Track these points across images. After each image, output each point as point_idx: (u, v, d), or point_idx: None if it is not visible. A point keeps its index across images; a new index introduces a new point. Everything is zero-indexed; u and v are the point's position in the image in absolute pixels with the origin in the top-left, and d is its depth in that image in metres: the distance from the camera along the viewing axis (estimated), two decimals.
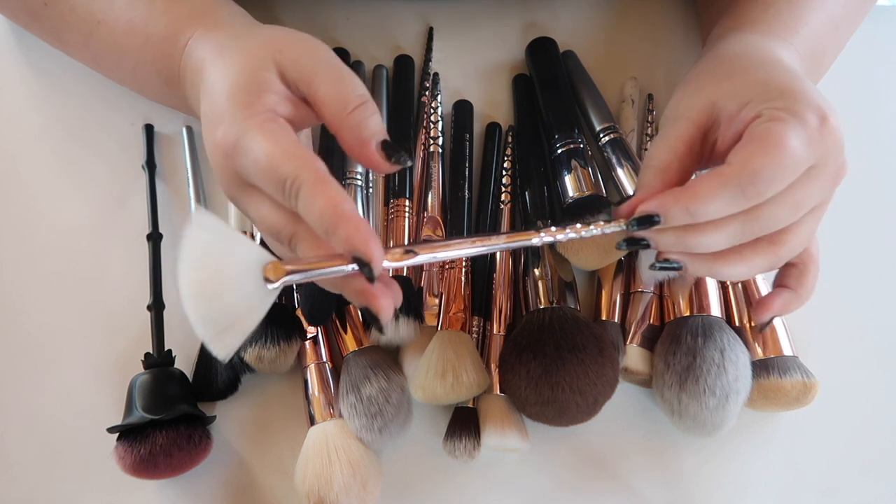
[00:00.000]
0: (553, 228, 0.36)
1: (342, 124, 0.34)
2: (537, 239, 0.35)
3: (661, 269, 0.36)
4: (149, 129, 0.53)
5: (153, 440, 0.41)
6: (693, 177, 0.37)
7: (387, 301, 0.33)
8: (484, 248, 0.36)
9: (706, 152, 0.37)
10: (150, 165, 0.51)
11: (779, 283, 0.40)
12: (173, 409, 0.42)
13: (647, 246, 0.36)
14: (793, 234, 0.36)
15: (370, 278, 0.31)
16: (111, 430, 0.41)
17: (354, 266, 0.31)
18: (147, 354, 0.45)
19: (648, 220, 0.34)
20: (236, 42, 0.38)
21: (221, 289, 0.30)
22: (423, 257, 0.34)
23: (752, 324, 0.46)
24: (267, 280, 0.30)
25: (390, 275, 0.36)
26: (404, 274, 0.47)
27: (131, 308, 0.47)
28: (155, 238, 0.48)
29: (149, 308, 0.46)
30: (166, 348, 0.45)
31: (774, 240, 0.35)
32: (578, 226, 0.36)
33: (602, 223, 0.36)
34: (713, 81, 0.38)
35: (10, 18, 0.51)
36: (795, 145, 0.33)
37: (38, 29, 0.49)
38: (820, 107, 0.34)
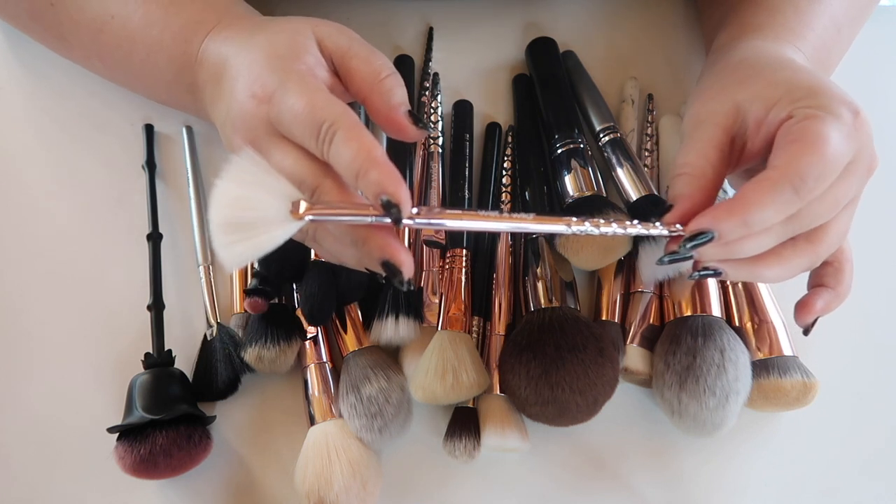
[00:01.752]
0: (585, 221, 0.34)
1: (373, 90, 0.37)
2: (565, 227, 0.34)
3: (701, 276, 0.36)
4: (149, 129, 0.53)
5: (153, 440, 0.41)
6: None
7: (408, 256, 0.33)
8: (511, 225, 0.35)
9: (735, 157, 0.37)
10: (150, 165, 0.51)
11: (816, 283, 0.39)
12: (173, 409, 0.42)
13: (691, 258, 0.34)
14: (830, 231, 0.35)
15: (397, 220, 0.31)
16: (111, 430, 0.41)
17: (378, 218, 0.32)
18: (147, 354, 0.45)
19: (703, 238, 0.33)
20: (269, 24, 0.40)
21: (248, 205, 0.31)
22: (448, 222, 0.33)
23: (798, 325, 0.44)
24: (293, 213, 0.31)
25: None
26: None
27: (131, 308, 0.47)
28: (155, 238, 0.48)
29: (149, 308, 0.46)
30: (166, 348, 0.45)
31: (812, 238, 0.35)
32: (614, 223, 0.34)
33: (648, 225, 0.35)
34: (733, 85, 0.38)
35: (6, 21, 0.51)
36: (837, 141, 0.32)
37: (39, 30, 0.49)
38: (850, 101, 0.34)
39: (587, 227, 0.34)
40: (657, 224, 0.35)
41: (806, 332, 0.42)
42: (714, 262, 0.35)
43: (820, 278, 0.39)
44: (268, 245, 0.31)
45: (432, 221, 0.33)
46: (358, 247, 0.34)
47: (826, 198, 0.33)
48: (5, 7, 0.49)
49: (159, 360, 0.44)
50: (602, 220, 0.34)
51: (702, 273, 0.36)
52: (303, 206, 0.31)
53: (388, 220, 0.32)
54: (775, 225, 0.33)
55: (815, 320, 0.39)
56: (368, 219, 0.32)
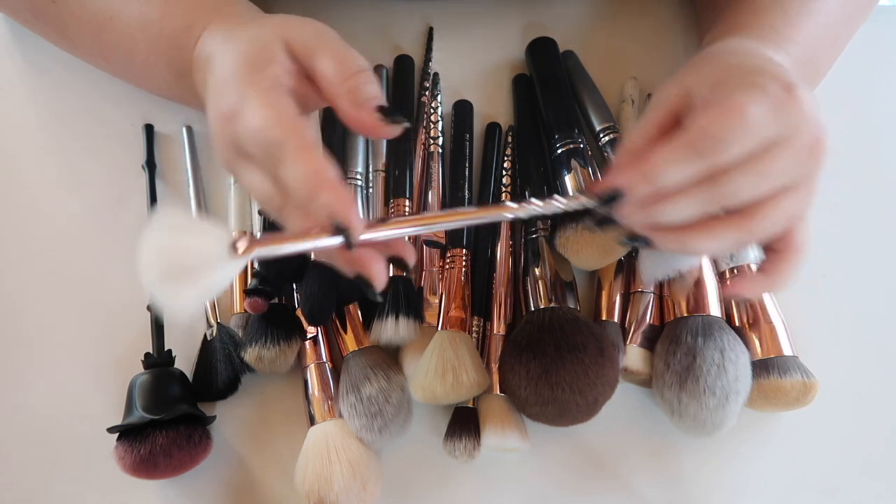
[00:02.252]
0: (520, 204, 0.36)
1: (339, 91, 0.34)
2: (510, 214, 0.36)
3: (628, 244, 0.37)
4: (149, 129, 0.53)
5: (153, 440, 0.41)
6: None
7: (379, 266, 0.33)
8: (458, 222, 0.36)
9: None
10: (150, 165, 0.51)
11: (759, 268, 0.40)
12: (173, 410, 0.42)
13: (614, 222, 0.35)
14: (764, 211, 0.34)
15: (349, 245, 0.31)
16: (111, 430, 0.41)
17: (330, 240, 0.31)
18: (147, 354, 0.45)
19: (612, 195, 0.34)
20: (245, 27, 0.38)
21: (184, 252, 0.30)
22: (396, 230, 0.34)
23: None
24: (233, 252, 0.30)
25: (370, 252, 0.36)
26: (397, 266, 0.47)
27: (131, 308, 0.47)
28: None
29: (148, 308, 0.46)
30: (166, 348, 0.45)
31: (743, 213, 0.35)
32: (543, 202, 0.36)
33: (570, 198, 0.36)
34: (689, 72, 0.38)
35: (10, 16, 0.51)
36: (754, 110, 0.32)
37: (42, 27, 0.49)
38: (786, 79, 0.34)
39: (519, 212, 0.36)
40: (580, 196, 0.36)
41: (727, 298, 0.43)
42: (643, 229, 0.36)
43: (763, 262, 0.39)
44: (216, 287, 0.30)
45: (377, 235, 0.33)
46: (331, 260, 0.34)
47: (748, 169, 0.33)
48: (8, 4, 0.49)
49: (159, 360, 0.44)
50: (534, 201, 0.36)
51: (631, 241, 0.36)
52: (241, 244, 0.30)
53: (338, 241, 0.31)
54: (693, 191, 0.33)
55: (736, 295, 0.40)
56: (315, 243, 0.31)
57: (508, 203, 0.36)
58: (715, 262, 0.48)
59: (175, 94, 0.47)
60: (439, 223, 0.36)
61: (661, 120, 0.37)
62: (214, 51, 0.38)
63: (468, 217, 0.37)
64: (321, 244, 0.32)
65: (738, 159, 0.33)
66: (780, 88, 0.33)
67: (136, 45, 0.44)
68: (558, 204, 0.36)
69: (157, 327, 0.45)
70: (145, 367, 0.44)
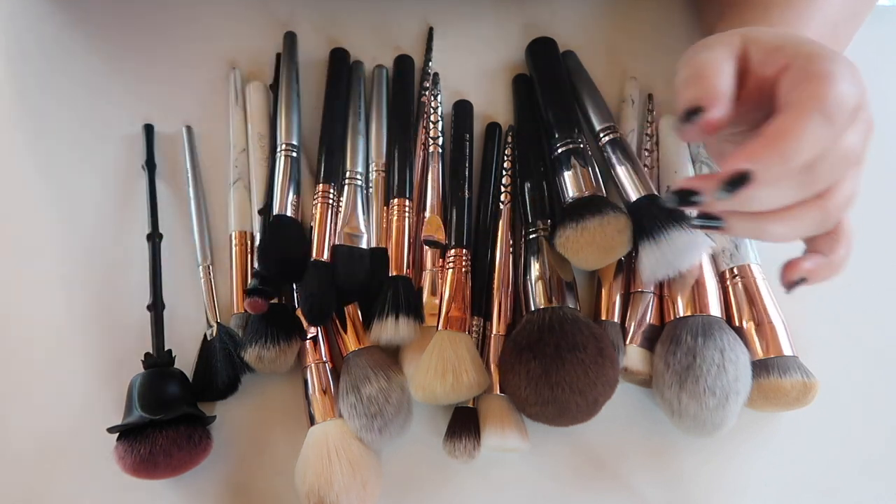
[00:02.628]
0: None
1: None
2: None
3: (702, 226, 0.34)
4: (148, 130, 0.53)
5: (153, 440, 0.41)
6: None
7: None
8: None
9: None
10: (150, 165, 0.51)
11: (810, 250, 0.38)
12: (173, 409, 0.42)
13: (698, 203, 0.32)
14: (841, 189, 0.34)
15: None
16: (111, 430, 0.41)
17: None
18: (147, 354, 0.45)
19: (740, 180, 0.30)
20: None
21: None
22: None
23: (784, 284, 0.40)
24: None
25: None
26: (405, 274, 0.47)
27: (131, 308, 0.47)
28: (155, 238, 0.48)
29: (148, 308, 0.46)
30: (166, 348, 0.45)
31: (823, 195, 0.34)
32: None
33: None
34: (737, 29, 0.36)
35: None
36: (846, 79, 0.32)
37: None
38: (845, 58, 0.33)
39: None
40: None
41: (789, 288, 0.39)
42: (719, 210, 0.34)
43: (816, 245, 0.38)
44: None
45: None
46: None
47: (837, 149, 0.32)
48: None
49: (159, 361, 0.44)
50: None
51: (703, 221, 0.34)
52: None
53: None
54: (797, 174, 0.32)
55: (800, 282, 0.37)
56: None
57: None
58: (715, 262, 0.48)
59: None
60: None
61: (731, 56, 0.34)
62: None
63: None
64: None
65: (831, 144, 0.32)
66: (848, 67, 0.33)
67: None
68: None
69: (157, 327, 0.45)
70: (145, 367, 0.44)
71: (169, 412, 0.41)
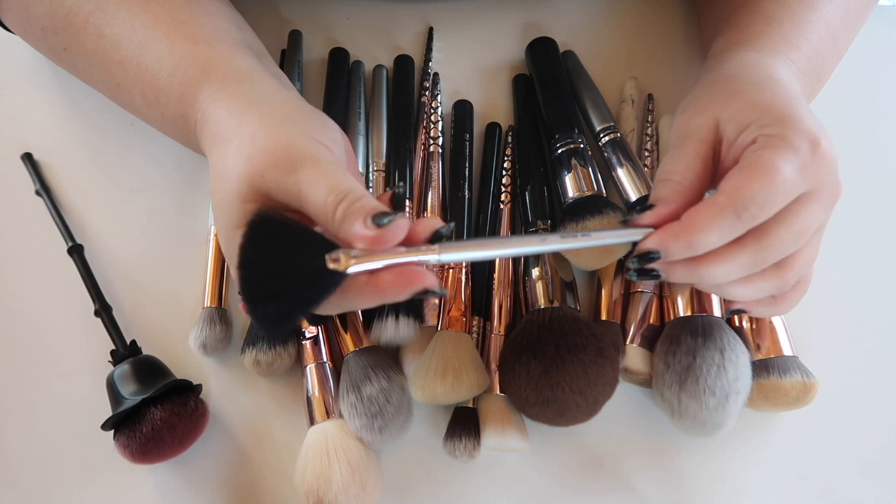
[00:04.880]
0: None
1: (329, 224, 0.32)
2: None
3: (636, 278, 0.37)
4: (29, 157, 0.52)
5: (151, 417, 0.41)
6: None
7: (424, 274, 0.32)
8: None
9: (714, 171, 0.39)
10: (45, 189, 0.51)
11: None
12: (160, 384, 0.42)
13: (658, 276, 0.36)
14: (798, 259, 0.37)
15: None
16: (104, 425, 0.41)
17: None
18: (112, 352, 0.45)
19: (648, 257, 0.35)
20: (218, 142, 0.36)
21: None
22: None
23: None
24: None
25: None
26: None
27: (133, 308, 0.48)
28: (78, 250, 0.49)
29: (96, 314, 0.46)
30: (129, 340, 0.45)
31: (781, 265, 0.37)
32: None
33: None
34: (717, 101, 0.39)
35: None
36: (786, 171, 0.34)
37: (63, 65, 0.48)
38: (812, 132, 0.35)
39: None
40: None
41: (728, 315, 0.45)
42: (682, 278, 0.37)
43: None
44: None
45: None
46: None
47: (789, 229, 0.35)
48: (32, 40, 0.48)
49: (127, 353, 0.45)
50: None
51: (641, 274, 0.37)
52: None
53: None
54: (740, 255, 0.35)
55: (739, 311, 0.42)
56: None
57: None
58: None
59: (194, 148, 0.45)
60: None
61: (704, 153, 0.38)
62: (205, 149, 0.38)
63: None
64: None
65: (773, 216, 0.35)
66: (808, 146, 0.35)
67: (147, 113, 0.44)
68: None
69: (113, 326, 0.46)
70: (116, 363, 0.44)
71: (157, 387, 0.41)
